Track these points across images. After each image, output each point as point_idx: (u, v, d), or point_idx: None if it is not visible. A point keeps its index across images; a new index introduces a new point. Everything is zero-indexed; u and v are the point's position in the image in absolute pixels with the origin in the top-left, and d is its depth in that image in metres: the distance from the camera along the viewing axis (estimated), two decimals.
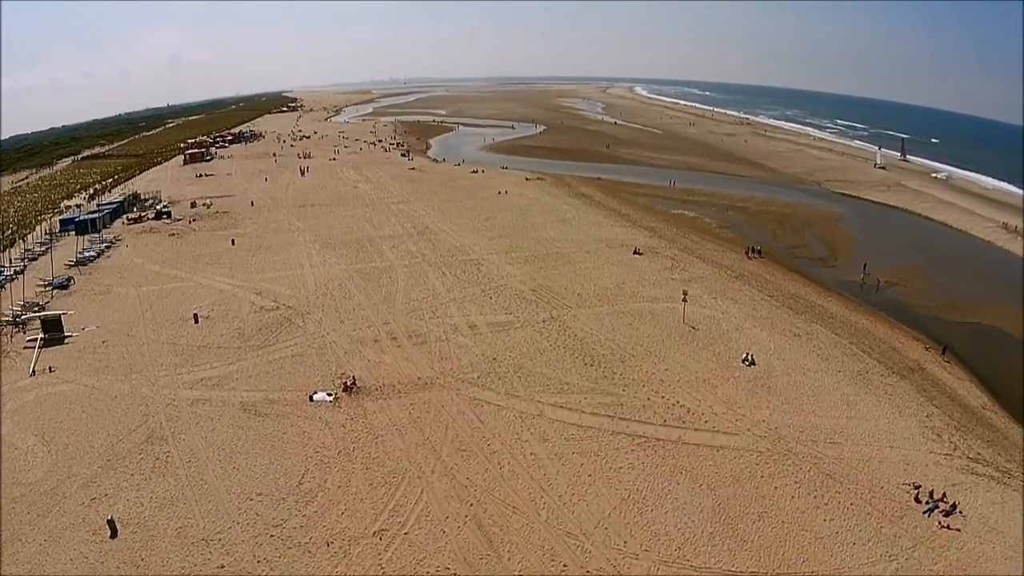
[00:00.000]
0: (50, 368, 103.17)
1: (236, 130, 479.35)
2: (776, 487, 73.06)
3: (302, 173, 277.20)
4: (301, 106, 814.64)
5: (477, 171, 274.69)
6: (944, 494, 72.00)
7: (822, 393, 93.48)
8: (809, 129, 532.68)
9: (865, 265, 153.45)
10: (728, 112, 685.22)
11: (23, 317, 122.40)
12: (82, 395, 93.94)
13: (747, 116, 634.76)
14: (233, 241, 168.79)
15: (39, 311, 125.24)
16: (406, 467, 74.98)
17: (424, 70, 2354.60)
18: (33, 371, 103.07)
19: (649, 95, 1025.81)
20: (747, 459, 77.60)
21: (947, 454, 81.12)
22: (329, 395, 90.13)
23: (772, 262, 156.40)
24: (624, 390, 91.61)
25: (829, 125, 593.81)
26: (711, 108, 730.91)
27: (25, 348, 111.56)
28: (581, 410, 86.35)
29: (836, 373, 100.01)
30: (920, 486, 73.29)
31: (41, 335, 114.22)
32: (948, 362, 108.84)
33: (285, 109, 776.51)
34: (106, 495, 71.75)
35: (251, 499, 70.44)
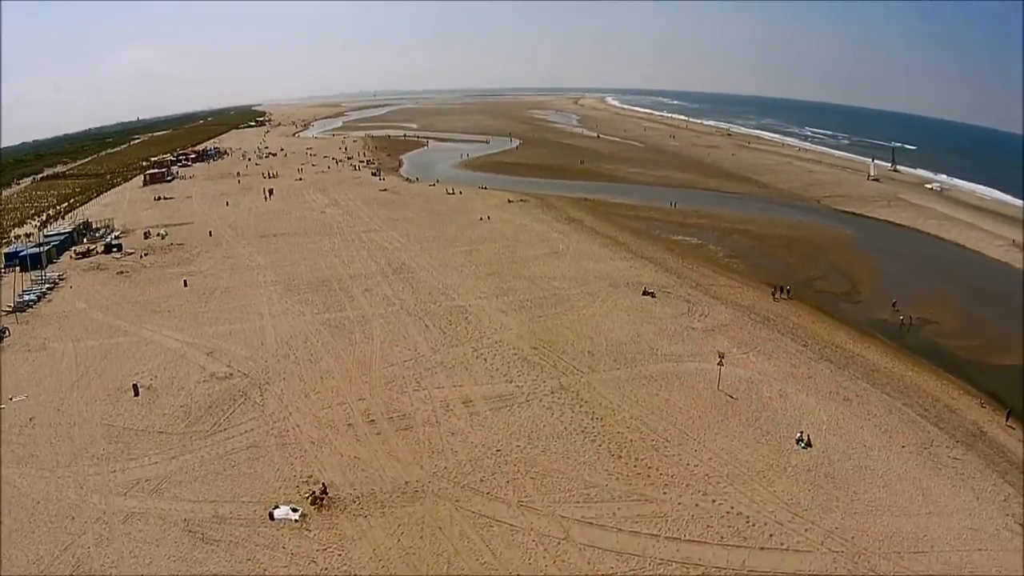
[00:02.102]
0: None
1: (200, 147, 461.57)
2: None
3: (266, 197, 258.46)
4: (269, 120, 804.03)
5: (454, 192, 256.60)
6: None
7: (892, 480, 76.98)
8: (789, 139, 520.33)
9: (895, 303, 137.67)
10: (705, 122, 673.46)
11: None
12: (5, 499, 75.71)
13: (727, 126, 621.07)
14: (185, 282, 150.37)
15: None
16: None
17: (392, 83, 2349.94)
18: None
19: (622, 106, 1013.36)
20: None
21: None
22: (294, 510, 70.01)
23: (797, 301, 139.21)
24: (665, 493, 72.98)
25: (808, 134, 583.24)
26: (686, 118, 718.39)
27: None
28: (617, 527, 67.47)
29: (899, 450, 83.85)
30: None
31: None
32: (1012, 427, 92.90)
33: (253, 124, 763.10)
34: None
35: None
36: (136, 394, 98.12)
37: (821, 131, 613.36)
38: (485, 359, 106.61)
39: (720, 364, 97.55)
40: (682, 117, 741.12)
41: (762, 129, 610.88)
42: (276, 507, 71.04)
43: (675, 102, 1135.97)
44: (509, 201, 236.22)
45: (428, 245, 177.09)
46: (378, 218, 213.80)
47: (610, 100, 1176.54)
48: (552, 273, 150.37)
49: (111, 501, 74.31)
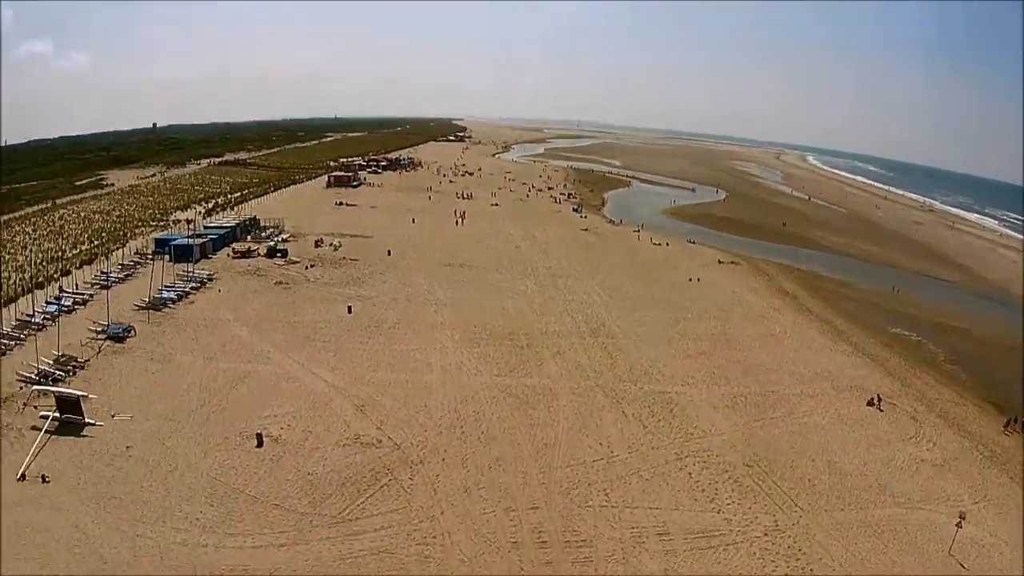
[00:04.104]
0: (44, 477, 73.55)
1: (394, 155, 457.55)
2: None
3: (458, 220, 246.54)
4: (469, 137, 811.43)
5: (661, 244, 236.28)
6: None
7: None
8: (986, 220, 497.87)
9: None
10: (906, 194, 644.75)
11: (44, 382, 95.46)
12: (61, 547, 63.65)
13: (928, 201, 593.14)
14: (350, 308, 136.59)
15: (59, 379, 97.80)
16: None
17: (592, 114, 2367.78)
18: (22, 475, 74.28)
19: (823, 167, 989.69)
20: None
21: None
22: None
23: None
24: None
25: (1006, 217, 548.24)
26: (887, 187, 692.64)
27: (32, 428, 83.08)
28: None
29: None
30: None
31: (56, 413, 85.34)
32: None
33: (452, 138, 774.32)
34: None
35: None
36: (260, 444, 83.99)
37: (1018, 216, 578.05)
38: (690, 473, 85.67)
39: (959, 526, 77.30)
40: (880, 185, 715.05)
41: (960, 208, 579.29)
42: None
43: (871, 168, 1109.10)
44: (719, 262, 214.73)
45: (632, 304, 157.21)
46: (578, 262, 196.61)
47: (811, 159, 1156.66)
48: (770, 363, 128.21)
49: None
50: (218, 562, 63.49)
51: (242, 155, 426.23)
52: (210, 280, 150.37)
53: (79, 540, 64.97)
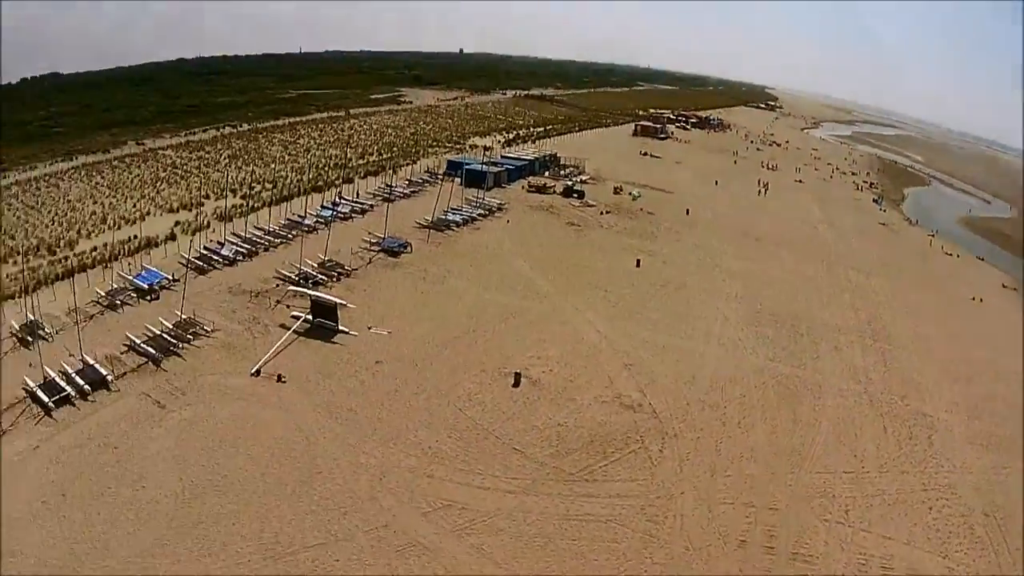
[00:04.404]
0: (280, 377, 76.81)
1: (704, 114, 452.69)
2: None
3: (760, 190, 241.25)
4: (779, 107, 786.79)
5: (952, 254, 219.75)
6: None
7: None
8: None
9: None
10: None
11: (303, 284, 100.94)
12: (278, 447, 67.14)
13: None
14: (639, 262, 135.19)
15: (320, 283, 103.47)
16: None
17: (902, 106, 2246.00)
18: (257, 371, 78.81)
19: None
20: None
21: None
22: None
23: None
24: None
25: None
26: None
27: (280, 327, 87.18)
28: None
29: None
30: None
31: (308, 316, 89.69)
32: None
33: (762, 106, 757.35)
34: None
35: None
36: (516, 384, 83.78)
37: None
38: (931, 507, 77.70)
39: None
40: None
41: None
42: None
43: None
44: (1003, 286, 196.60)
45: (914, 311, 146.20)
46: (871, 257, 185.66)
47: None
48: None
49: (400, 514, 60.80)
50: (437, 494, 63.77)
51: (549, 91, 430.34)
52: (500, 209, 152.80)
53: (298, 443, 67.53)
